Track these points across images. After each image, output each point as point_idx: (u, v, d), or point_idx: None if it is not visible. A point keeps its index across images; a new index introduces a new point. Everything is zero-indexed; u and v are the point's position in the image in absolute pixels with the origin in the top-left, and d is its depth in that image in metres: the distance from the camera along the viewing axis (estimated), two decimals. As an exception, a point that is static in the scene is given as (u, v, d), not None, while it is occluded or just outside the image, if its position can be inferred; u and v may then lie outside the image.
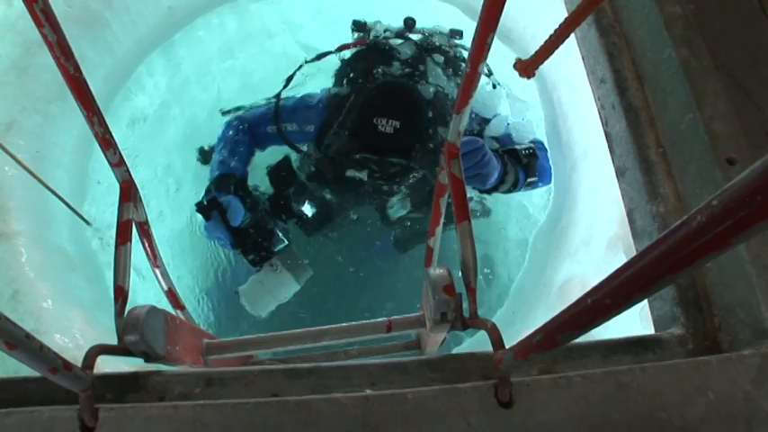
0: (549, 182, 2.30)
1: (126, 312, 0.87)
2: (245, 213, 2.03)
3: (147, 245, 1.15)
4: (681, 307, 0.99)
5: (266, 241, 2.13)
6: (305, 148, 2.27)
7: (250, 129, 2.26)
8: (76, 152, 2.29)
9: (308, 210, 2.36)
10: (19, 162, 1.71)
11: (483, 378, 0.82)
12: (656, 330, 1.05)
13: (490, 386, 0.77)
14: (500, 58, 2.32)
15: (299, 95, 2.27)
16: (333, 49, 2.37)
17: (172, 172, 2.85)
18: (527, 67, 0.97)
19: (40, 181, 1.79)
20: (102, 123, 0.93)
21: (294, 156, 2.29)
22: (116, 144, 0.98)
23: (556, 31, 0.90)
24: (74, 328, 1.74)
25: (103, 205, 2.38)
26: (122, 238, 0.97)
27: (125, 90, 2.62)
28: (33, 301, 1.74)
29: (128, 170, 1.02)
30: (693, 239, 0.36)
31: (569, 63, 1.95)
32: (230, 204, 1.98)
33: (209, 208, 2.00)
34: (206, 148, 2.44)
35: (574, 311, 0.52)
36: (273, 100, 2.25)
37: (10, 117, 2.02)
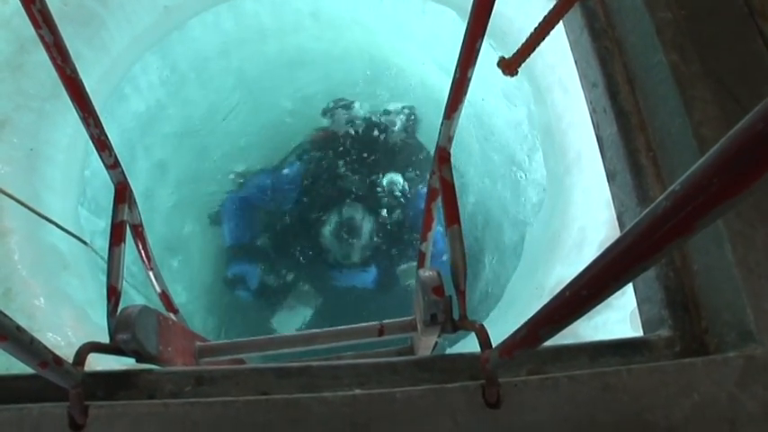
0: None
1: (118, 312, 0.87)
2: (259, 276, 2.78)
3: (140, 247, 1.15)
4: (669, 309, 1.00)
5: (281, 287, 2.90)
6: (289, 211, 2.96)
7: (246, 202, 2.93)
8: (70, 150, 2.29)
9: (306, 255, 3.02)
10: (16, 199, 1.71)
11: (471, 378, 0.83)
12: (644, 333, 1.06)
13: (478, 386, 0.77)
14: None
15: (275, 172, 2.97)
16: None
17: (165, 172, 2.88)
18: (510, 65, 0.97)
19: (35, 211, 1.78)
20: (98, 125, 0.93)
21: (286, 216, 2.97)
22: (111, 146, 0.98)
23: (536, 28, 0.91)
24: (66, 326, 1.74)
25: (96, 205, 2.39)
26: (116, 239, 0.97)
27: (120, 89, 2.62)
28: (26, 299, 1.74)
29: (123, 172, 1.02)
30: (660, 225, 0.37)
31: (563, 66, 1.96)
32: (248, 273, 2.73)
33: (232, 281, 2.74)
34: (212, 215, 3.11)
35: (553, 305, 0.53)
36: (257, 176, 2.98)
37: (4, 114, 2.01)
